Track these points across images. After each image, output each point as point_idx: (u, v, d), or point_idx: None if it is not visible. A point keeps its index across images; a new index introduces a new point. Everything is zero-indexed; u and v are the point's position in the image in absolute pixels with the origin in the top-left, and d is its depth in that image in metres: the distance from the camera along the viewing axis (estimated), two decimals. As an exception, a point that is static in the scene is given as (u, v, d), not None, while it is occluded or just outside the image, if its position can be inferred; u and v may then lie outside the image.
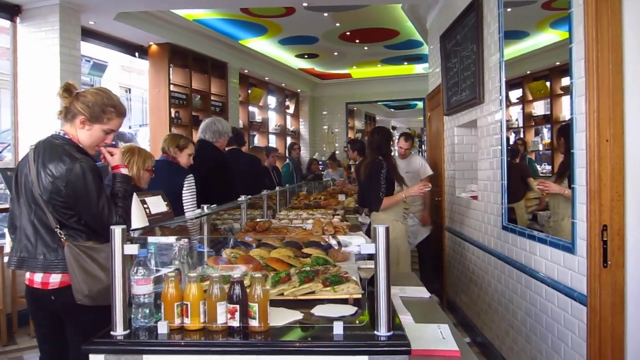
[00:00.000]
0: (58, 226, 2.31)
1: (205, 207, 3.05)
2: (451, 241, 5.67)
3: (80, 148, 2.41)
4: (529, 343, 3.47)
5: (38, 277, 2.35)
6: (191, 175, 3.94)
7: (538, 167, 4.46)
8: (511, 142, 4.31)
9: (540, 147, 4.42)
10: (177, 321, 1.74)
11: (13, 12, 5.73)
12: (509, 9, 3.84)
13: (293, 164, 9.52)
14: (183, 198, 3.87)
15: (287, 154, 10.25)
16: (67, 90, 2.41)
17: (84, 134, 2.42)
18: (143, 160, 3.28)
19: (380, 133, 4.69)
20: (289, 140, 12.36)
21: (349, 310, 1.93)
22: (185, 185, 3.87)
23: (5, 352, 4.60)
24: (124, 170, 2.53)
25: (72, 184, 2.27)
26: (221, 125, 4.75)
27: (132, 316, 1.78)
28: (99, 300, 2.27)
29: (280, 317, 1.83)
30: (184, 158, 4.06)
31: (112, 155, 2.54)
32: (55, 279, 2.33)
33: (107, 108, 2.43)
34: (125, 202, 2.44)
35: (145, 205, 2.47)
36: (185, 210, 3.77)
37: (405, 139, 6.19)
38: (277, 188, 5.45)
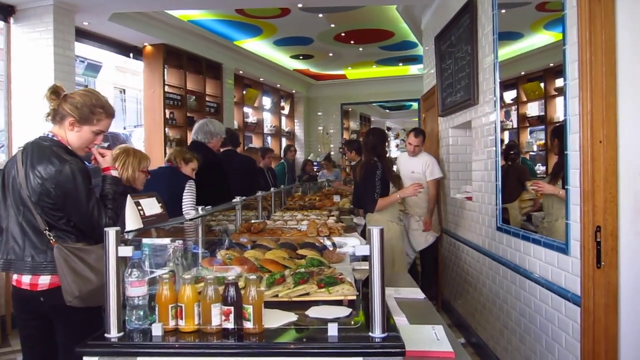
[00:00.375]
0: (47, 228, 2.30)
1: (199, 208, 3.05)
2: (446, 242, 5.68)
3: (69, 149, 2.40)
4: (523, 343, 3.48)
5: (26, 279, 2.33)
6: (192, 180, 3.98)
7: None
8: (505, 143, 4.33)
9: (535, 148, 4.44)
10: (171, 323, 1.74)
11: (7, 13, 5.71)
12: (503, 10, 3.86)
13: (288, 166, 9.52)
14: (183, 201, 3.87)
15: (282, 156, 10.25)
16: (55, 92, 2.40)
17: (74, 136, 2.41)
18: (138, 161, 3.28)
19: (375, 134, 4.70)
20: (284, 141, 12.36)
21: (343, 311, 1.93)
22: (186, 189, 3.90)
23: (-1, 353, 4.58)
24: (114, 172, 2.54)
25: (61, 185, 2.27)
26: (213, 126, 4.75)
27: (126, 318, 1.77)
28: (90, 302, 2.27)
29: (275, 319, 1.83)
30: (188, 170, 4.09)
31: (103, 156, 2.53)
32: (44, 280, 2.32)
33: (96, 109, 2.42)
34: (115, 204, 2.44)
35: (139, 207, 2.46)
36: (183, 213, 3.77)
37: (415, 135, 5.70)
38: (272, 189, 5.44)
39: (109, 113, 2.49)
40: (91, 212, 2.31)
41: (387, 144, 4.74)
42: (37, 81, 5.64)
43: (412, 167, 5.59)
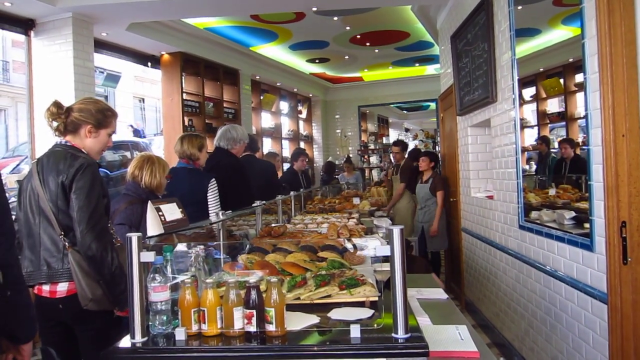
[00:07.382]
0: (62, 233, 2.35)
1: (220, 213, 3.07)
2: (468, 242, 5.63)
3: (82, 151, 2.49)
4: (550, 343, 3.43)
5: (46, 287, 2.39)
6: (214, 179, 3.95)
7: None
8: (533, 142, 4.25)
9: (556, 145, 4.36)
10: (194, 327, 1.75)
11: (27, 26, 5.81)
12: (519, 7, 3.82)
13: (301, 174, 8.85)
14: (209, 202, 3.88)
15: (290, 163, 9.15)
16: (60, 107, 2.49)
17: (92, 142, 2.53)
18: (163, 168, 3.38)
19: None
20: (302, 145, 12.32)
21: (365, 313, 1.92)
22: (209, 189, 3.89)
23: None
24: None
25: (73, 176, 2.35)
26: (236, 132, 4.71)
27: (150, 323, 1.79)
28: (105, 305, 2.32)
29: (297, 322, 1.83)
30: (203, 158, 4.07)
31: None
32: (62, 288, 2.38)
33: (106, 112, 2.58)
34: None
35: (160, 213, 2.48)
36: (210, 214, 3.78)
37: None
38: (292, 193, 5.43)
39: (115, 113, 2.65)
40: (94, 208, 2.33)
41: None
42: (58, 93, 5.70)
43: None
